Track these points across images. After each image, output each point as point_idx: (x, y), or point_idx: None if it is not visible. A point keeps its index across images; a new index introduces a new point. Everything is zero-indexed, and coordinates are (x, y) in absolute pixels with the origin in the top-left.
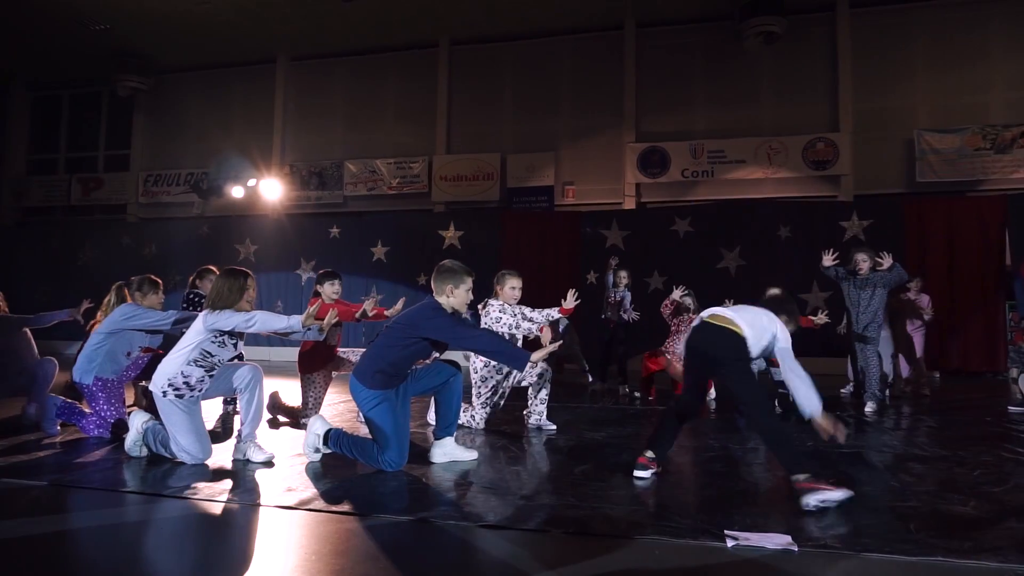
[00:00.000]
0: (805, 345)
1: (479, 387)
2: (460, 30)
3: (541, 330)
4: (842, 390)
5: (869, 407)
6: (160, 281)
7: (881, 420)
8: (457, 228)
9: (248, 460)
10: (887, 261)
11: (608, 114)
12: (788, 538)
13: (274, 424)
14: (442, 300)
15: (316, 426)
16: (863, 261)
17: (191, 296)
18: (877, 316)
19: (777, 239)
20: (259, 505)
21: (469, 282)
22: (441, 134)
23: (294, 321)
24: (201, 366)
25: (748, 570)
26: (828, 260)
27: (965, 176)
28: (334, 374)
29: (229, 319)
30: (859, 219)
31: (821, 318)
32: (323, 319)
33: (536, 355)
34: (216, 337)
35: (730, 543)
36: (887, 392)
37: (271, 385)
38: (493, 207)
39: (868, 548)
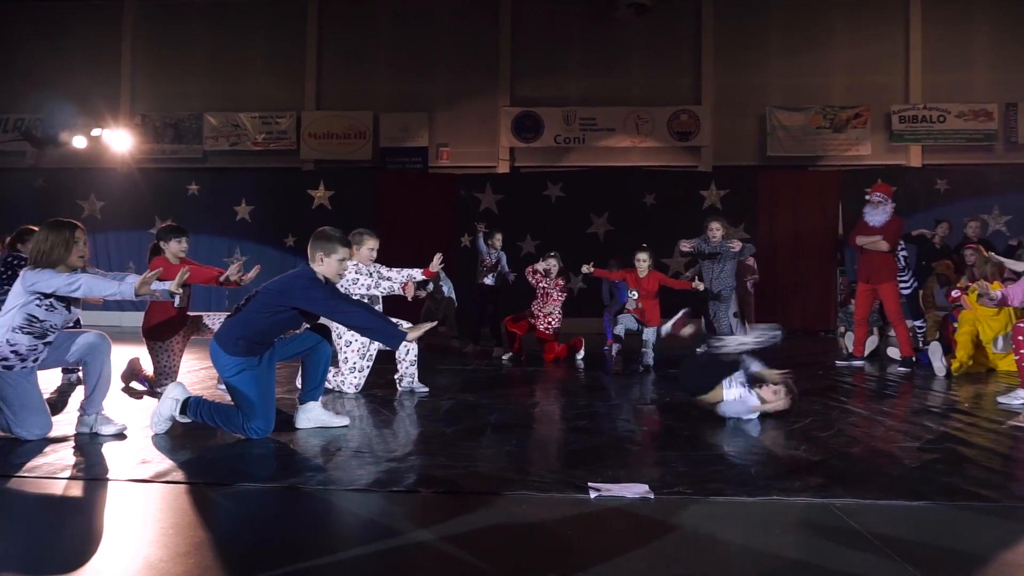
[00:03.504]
0: (668, 308)
1: (344, 351)
2: None
3: (404, 288)
4: (698, 349)
5: None
6: None
7: None
8: (328, 188)
9: (96, 433)
10: (737, 245)
11: (484, 77)
12: (646, 487)
13: (132, 394)
14: (315, 268)
15: (174, 393)
16: (716, 229)
17: (11, 260)
18: (728, 280)
19: (643, 206)
20: (109, 480)
21: (343, 251)
22: (311, 89)
23: (126, 287)
24: (29, 333)
25: (609, 518)
26: (685, 247)
27: (808, 152)
28: (193, 338)
29: (50, 280)
30: (717, 189)
31: (699, 284)
32: (170, 281)
33: (411, 334)
34: (41, 300)
35: (593, 494)
36: None
37: (124, 353)
38: (365, 167)
39: (715, 492)
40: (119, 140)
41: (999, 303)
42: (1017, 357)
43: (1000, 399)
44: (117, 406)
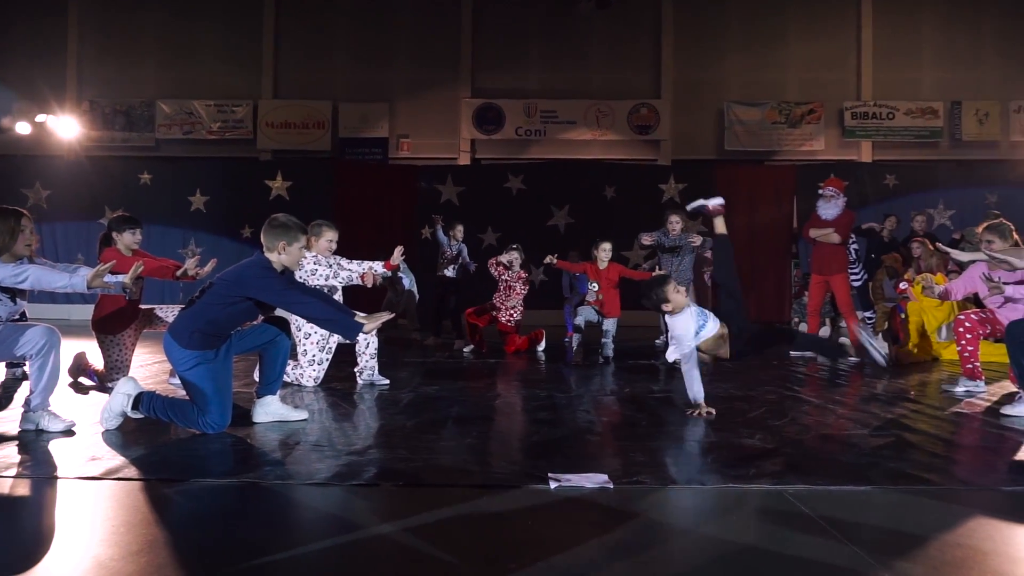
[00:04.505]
0: (627, 299)
1: (303, 344)
2: None
3: (363, 278)
4: (656, 340)
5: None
6: None
7: None
8: (285, 178)
9: (42, 430)
10: (697, 240)
11: (445, 68)
12: (605, 477)
13: (80, 389)
14: (272, 257)
15: (126, 387)
16: (676, 223)
17: None
18: (687, 274)
19: (603, 199)
20: (57, 478)
21: (303, 240)
22: (268, 77)
23: (77, 280)
24: None
25: (569, 508)
26: (647, 240)
27: (764, 147)
28: (145, 331)
29: None
30: (676, 182)
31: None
32: (123, 274)
33: (368, 326)
34: None
35: (553, 485)
36: None
37: (74, 347)
38: (324, 157)
39: (673, 481)
40: (66, 127)
41: (942, 296)
42: (959, 347)
43: (944, 387)
44: (65, 402)
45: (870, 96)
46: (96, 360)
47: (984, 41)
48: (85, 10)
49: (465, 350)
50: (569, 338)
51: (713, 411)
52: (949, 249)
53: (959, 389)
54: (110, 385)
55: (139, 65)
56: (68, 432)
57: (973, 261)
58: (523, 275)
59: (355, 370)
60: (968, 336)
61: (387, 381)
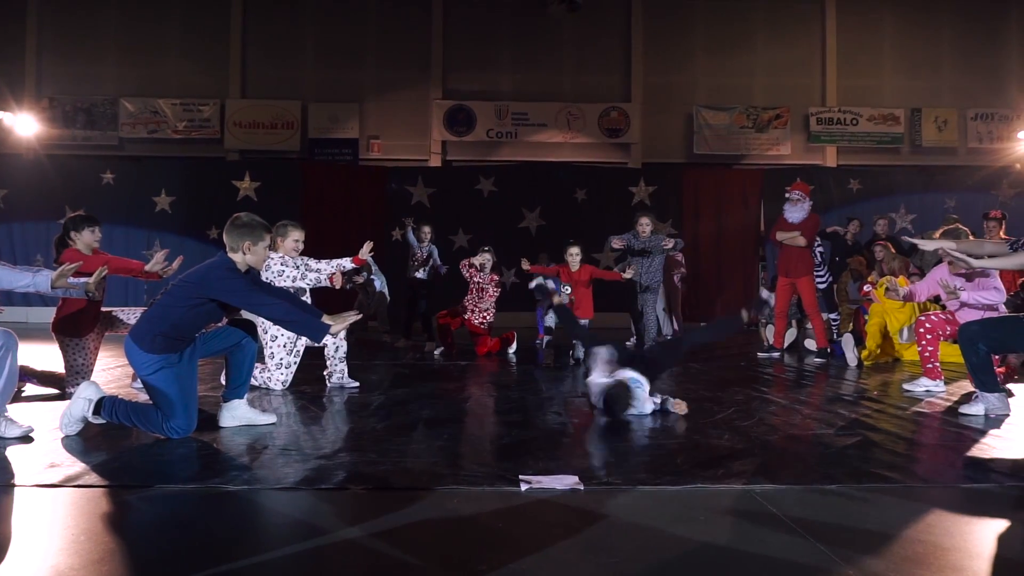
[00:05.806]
0: (600, 301)
1: (270, 347)
2: None
3: (331, 279)
4: (627, 342)
5: None
6: None
7: None
8: (253, 179)
9: None
10: (670, 243)
11: (415, 69)
12: (575, 478)
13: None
14: (237, 258)
15: (87, 392)
16: (646, 225)
17: None
18: (657, 275)
19: (574, 201)
20: (13, 485)
21: (268, 239)
22: (235, 76)
23: (41, 279)
24: None
25: (539, 509)
26: (617, 244)
27: (732, 151)
28: (107, 334)
29: None
30: (646, 185)
31: (628, 272)
32: (88, 276)
33: (335, 327)
34: None
35: (524, 487)
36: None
37: (32, 351)
38: (293, 158)
39: (642, 482)
40: (24, 124)
41: (906, 298)
42: (920, 348)
43: (905, 386)
44: (23, 407)
45: (835, 102)
46: (44, 365)
47: (942, 51)
48: (44, 2)
49: (436, 352)
50: (540, 340)
51: (684, 404)
52: (916, 240)
53: (919, 389)
54: (70, 391)
55: (101, 61)
56: (25, 438)
57: (937, 254)
58: (495, 277)
59: (324, 373)
60: (929, 337)
61: (357, 384)
